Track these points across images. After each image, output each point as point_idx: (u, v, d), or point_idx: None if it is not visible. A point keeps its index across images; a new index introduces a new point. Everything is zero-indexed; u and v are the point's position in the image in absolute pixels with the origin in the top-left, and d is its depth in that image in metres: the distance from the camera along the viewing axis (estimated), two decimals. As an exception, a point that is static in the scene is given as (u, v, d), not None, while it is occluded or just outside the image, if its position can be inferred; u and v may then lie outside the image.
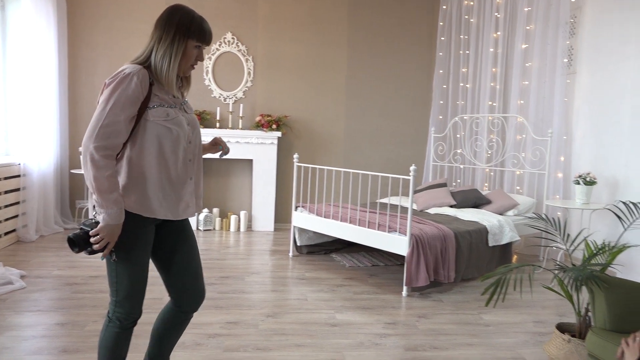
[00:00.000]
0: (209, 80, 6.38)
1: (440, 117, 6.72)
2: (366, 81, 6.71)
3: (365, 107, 6.74)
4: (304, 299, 3.89)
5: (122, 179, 1.88)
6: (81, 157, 1.82)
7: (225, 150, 2.27)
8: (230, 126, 6.31)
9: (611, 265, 2.60)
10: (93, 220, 1.88)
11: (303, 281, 4.36)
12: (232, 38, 6.36)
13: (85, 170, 1.80)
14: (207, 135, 6.13)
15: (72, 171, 6.05)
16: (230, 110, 6.31)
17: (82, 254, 1.66)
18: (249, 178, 6.52)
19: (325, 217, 4.78)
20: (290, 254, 5.21)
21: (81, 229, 1.85)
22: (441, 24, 6.67)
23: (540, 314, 3.77)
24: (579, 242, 2.84)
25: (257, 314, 3.52)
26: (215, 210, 6.41)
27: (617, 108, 4.67)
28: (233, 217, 6.32)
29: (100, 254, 1.88)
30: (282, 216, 6.57)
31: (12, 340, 2.95)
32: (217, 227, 6.37)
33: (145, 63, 1.90)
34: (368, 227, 4.37)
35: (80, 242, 1.83)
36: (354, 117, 6.72)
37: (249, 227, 6.47)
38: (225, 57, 6.41)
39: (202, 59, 2.01)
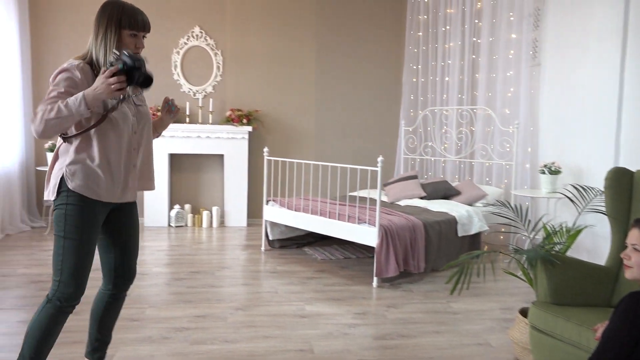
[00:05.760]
0: (178, 75, 6.31)
1: (411, 110, 6.77)
2: (335, 74, 6.72)
3: (335, 100, 6.75)
4: (275, 291, 3.89)
5: (68, 159, 2.04)
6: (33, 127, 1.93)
7: (175, 109, 2.36)
8: (200, 121, 6.25)
9: (573, 249, 2.66)
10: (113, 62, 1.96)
11: (274, 274, 4.35)
12: (200, 32, 6.30)
13: (43, 130, 1.91)
14: (177, 130, 6.08)
15: (38, 168, 5.91)
16: (200, 105, 6.26)
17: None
18: (221, 173, 6.47)
19: (296, 211, 4.78)
20: (262, 248, 5.20)
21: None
22: (409, 17, 6.71)
23: (507, 301, 3.84)
24: (539, 228, 2.91)
25: (226, 307, 3.51)
26: (187, 206, 6.35)
27: (580, 99, 4.77)
28: (205, 213, 6.28)
29: None
30: (254, 211, 6.55)
31: (-28, 339, 2.88)
32: (189, 223, 6.31)
33: (86, 58, 2.05)
34: (338, 220, 4.39)
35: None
36: (324, 110, 6.72)
37: (222, 223, 6.42)
38: (194, 52, 6.35)
39: (141, 47, 2.10)
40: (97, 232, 2.11)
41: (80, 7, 6.00)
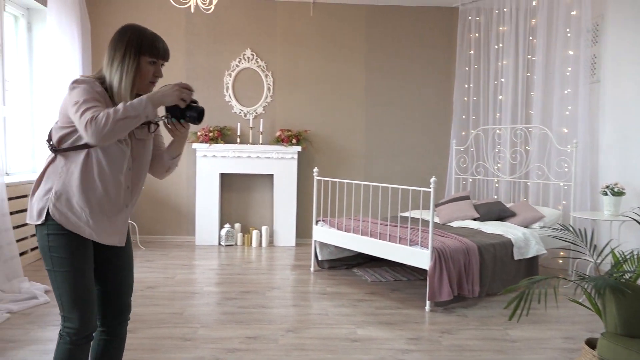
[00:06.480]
0: (230, 96, 6.44)
1: (462, 129, 6.63)
2: (385, 94, 6.69)
3: (384, 120, 6.71)
4: (325, 314, 3.85)
5: (57, 184, 1.90)
6: (92, 136, 1.74)
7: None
8: (250, 141, 6.34)
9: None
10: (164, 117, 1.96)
11: (324, 296, 4.31)
12: (252, 54, 6.43)
13: (110, 131, 1.73)
14: (228, 150, 6.19)
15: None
16: (251, 125, 6.35)
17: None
18: (270, 193, 6.52)
19: (346, 231, 4.74)
20: (312, 268, 5.17)
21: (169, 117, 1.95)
22: (460, 36, 6.62)
23: (569, 330, 3.65)
24: (606, 254, 2.75)
25: (277, 328, 3.49)
26: (237, 225, 6.42)
27: (644, 116, 4.55)
28: (255, 233, 6.32)
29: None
30: (303, 231, 6.55)
31: (34, 354, 2.97)
32: (239, 242, 6.37)
33: (104, 82, 1.90)
34: (389, 241, 4.32)
35: (178, 111, 1.92)
36: (373, 130, 6.69)
37: (271, 242, 6.45)
38: (245, 73, 6.48)
39: (160, 75, 1.97)
40: (89, 257, 1.94)
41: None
